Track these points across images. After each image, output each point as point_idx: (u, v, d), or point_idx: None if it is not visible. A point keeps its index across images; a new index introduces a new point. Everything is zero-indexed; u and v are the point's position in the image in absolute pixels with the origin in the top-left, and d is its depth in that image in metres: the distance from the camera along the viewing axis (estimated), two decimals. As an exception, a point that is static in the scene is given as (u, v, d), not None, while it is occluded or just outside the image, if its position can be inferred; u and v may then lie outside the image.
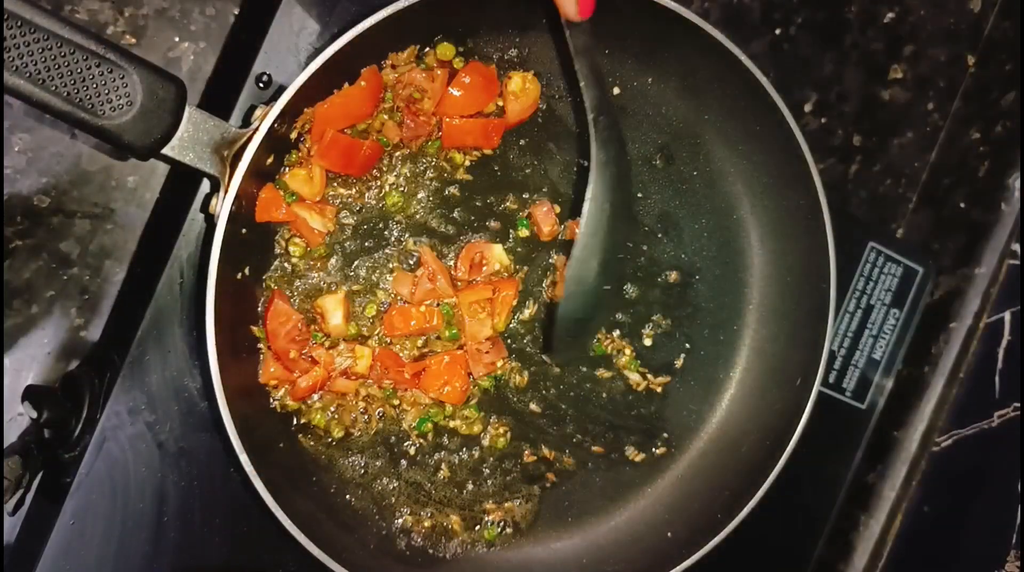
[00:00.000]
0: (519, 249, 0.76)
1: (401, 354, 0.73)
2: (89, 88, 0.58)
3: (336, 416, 0.72)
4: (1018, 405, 0.91)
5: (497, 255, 0.75)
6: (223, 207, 0.62)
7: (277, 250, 0.69)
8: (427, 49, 0.71)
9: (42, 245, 0.71)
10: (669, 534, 0.78)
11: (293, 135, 0.67)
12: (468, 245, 0.74)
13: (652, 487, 0.81)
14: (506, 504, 0.77)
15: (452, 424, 0.75)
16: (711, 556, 0.74)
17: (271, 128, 0.63)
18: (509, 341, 0.76)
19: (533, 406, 0.77)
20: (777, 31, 0.88)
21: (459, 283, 0.74)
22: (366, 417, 0.72)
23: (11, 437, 0.71)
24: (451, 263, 0.74)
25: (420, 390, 0.73)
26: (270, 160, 0.67)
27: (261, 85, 0.69)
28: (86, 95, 0.57)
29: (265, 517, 0.64)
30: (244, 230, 0.66)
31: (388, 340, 0.72)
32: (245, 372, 0.68)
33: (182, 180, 0.71)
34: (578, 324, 0.70)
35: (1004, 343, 0.94)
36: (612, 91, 0.77)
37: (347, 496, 0.72)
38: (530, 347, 0.77)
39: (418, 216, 0.73)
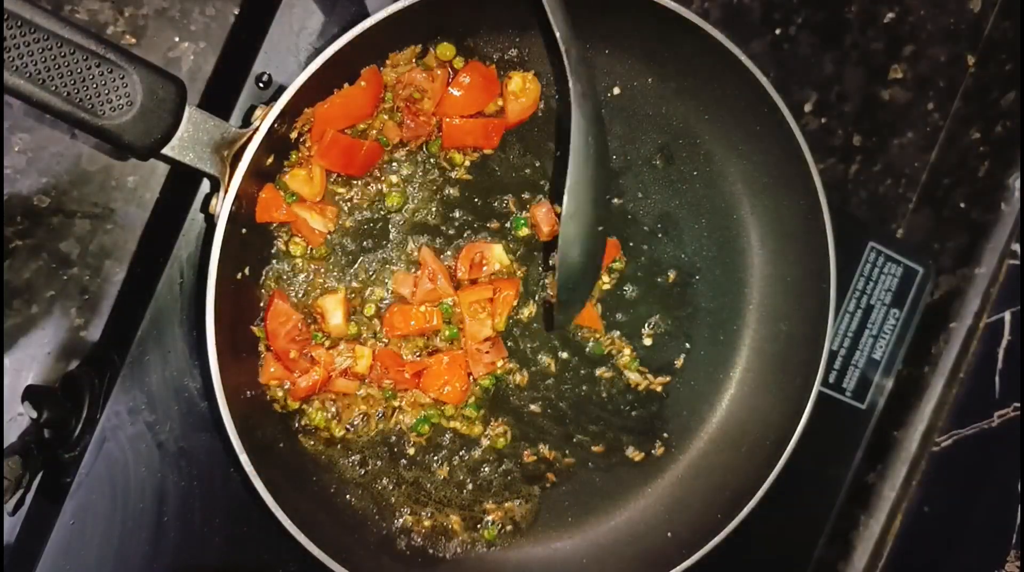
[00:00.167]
0: (519, 249, 0.76)
1: (401, 354, 0.73)
2: (89, 88, 0.57)
3: (336, 416, 0.72)
4: (1018, 405, 0.91)
5: (497, 255, 0.75)
6: (223, 207, 0.62)
7: (277, 250, 0.69)
8: (427, 49, 0.71)
9: (42, 245, 0.71)
10: (669, 534, 0.78)
11: (293, 135, 0.67)
12: (468, 245, 0.74)
13: (652, 487, 0.81)
14: (506, 504, 0.77)
15: (452, 424, 0.75)
16: (711, 556, 0.74)
17: (271, 128, 0.63)
18: (509, 341, 0.76)
19: (533, 406, 0.77)
20: (777, 31, 0.88)
21: (459, 283, 0.74)
22: (366, 417, 0.72)
23: (11, 437, 0.71)
24: (451, 263, 0.74)
25: (420, 390, 0.73)
26: (270, 160, 0.67)
27: (261, 85, 0.69)
28: (86, 95, 0.57)
29: (265, 517, 0.64)
30: (244, 230, 0.66)
31: (388, 340, 0.72)
32: (245, 372, 0.68)
33: (182, 180, 0.71)
34: (579, 273, 0.70)
35: (1004, 343, 0.94)
36: (612, 91, 0.77)
37: (347, 496, 0.72)
38: (530, 347, 0.77)
39: (418, 216, 0.73)
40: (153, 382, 0.68)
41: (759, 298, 0.82)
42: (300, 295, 0.70)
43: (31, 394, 0.68)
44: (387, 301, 0.72)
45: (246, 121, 0.68)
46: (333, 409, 0.72)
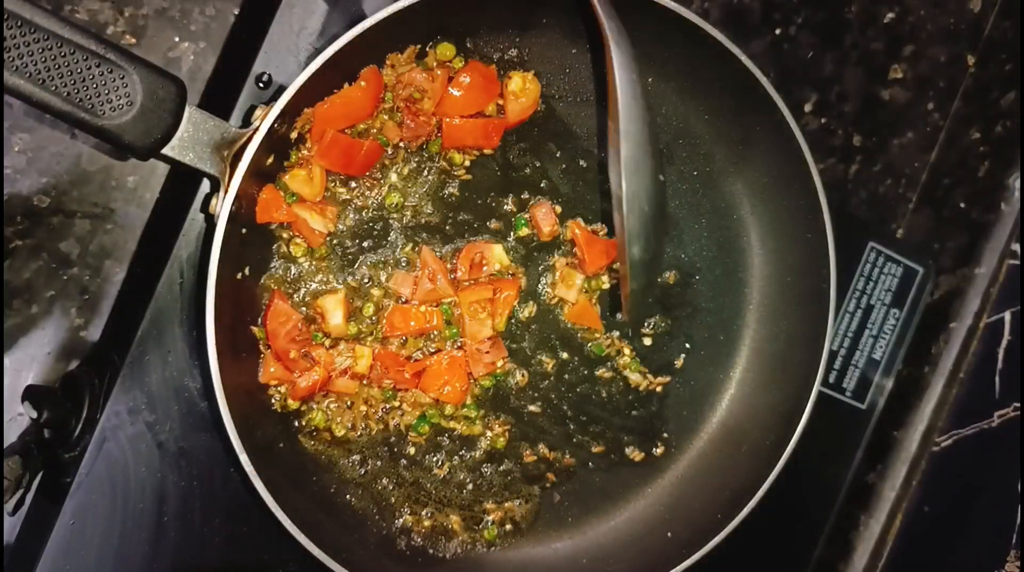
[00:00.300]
0: (519, 249, 0.76)
1: (401, 354, 0.73)
2: (89, 88, 0.57)
3: (336, 416, 0.72)
4: (1018, 405, 0.91)
5: (497, 255, 0.75)
6: (223, 207, 0.62)
7: (277, 250, 0.69)
8: (427, 49, 0.71)
9: (42, 245, 0.71)
10: (669, 534, 0.78)
11: (293, 135, 0.67)
12: (468, 245, 0.74)
13: (652, 487, 0.81)
14: (506, 504, 0.77)
15: (452, 424, 0.75)
16: (711, 556, 0.74)
17: (271, 128, 0.63)
18: (509, 341, 0.76)
19: (533, 406, 0.77)
20: (777, 31, 0.88)
21: (459, 283, 0.74)
22: (366, 417, 0.72)
23: (11, 437, 0.71)
24: (451, 263, 0.74)
25: (420, 390, 0.73)
26: (270, 160, 0.67)
27: (261, 85, 0.69)
28: (86, 95, 0.57)
29: (265, 517, 0.64)
30: (244, 230, 0.66)
31: (388, 340, 0.72)
32: (245, 372, 0.68)
33: (182, 180, 0.71)
34: (652, 229, 0.64)
35: (1004, 343, 0.94)
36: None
37: (347, 496, 0.72)
38: (530, 347, 0.77)
39: (418, 216, 0.73)
40: (153, 382, 0.68)
41: (759, 298, 0.82)
42: (300, 295, 0.70)
43: (31, 394, 0.68)
44: (387, 301, 0.72)
45: (246, 121, 0.68)
46: (333, 409, 0.72)
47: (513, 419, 0.77)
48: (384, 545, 0.73)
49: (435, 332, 0.73)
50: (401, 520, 0.74)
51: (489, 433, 0.76)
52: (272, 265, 0.69)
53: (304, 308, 0.70)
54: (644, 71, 0.77)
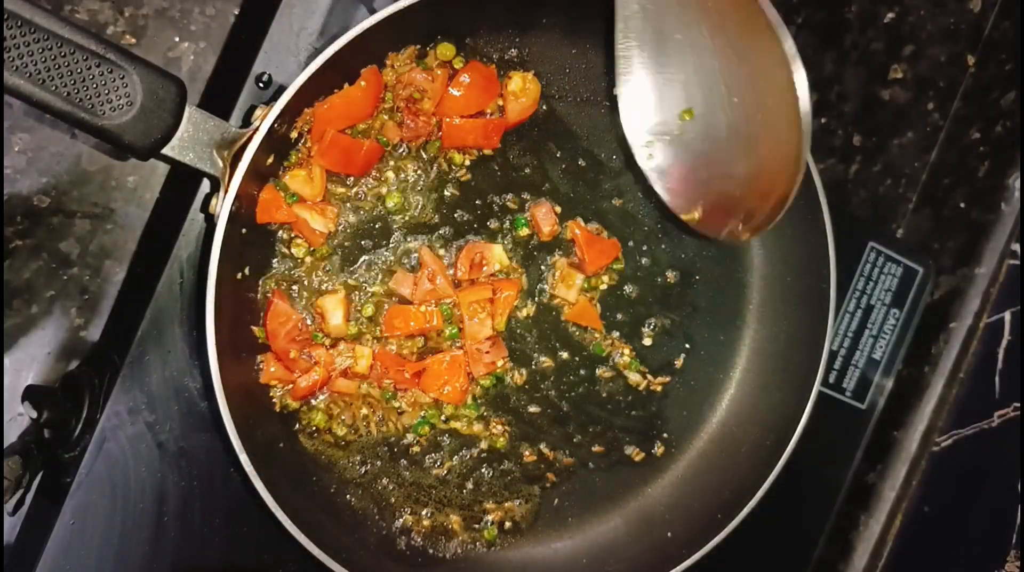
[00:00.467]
0: (519, 249, 0.76)
1: (401, 354, 0.73)
2: (89, 88, 0.58)
3: (336, 416, 0.72)
4: (1018, 405, 0.91)
5: (497, 255, 0.75)
6: (223, 207, 0.62)
7: (277, 250, 0.69)
8: (427, 49, 0.71)
9: (42, 245, 0.71)
10: (669, 534, 0.78)
11: (293, 135, 0.67)
12: (468, 245, 0.74)
13: (652, 487, 0.81)
14: (506, 504, 0.77)
15: (452, 424, 0.75)
16: (711, 556, 0.74)
17: (271, 128, 0.63)
18: (509, 341, 0.76)
19: (533, 406, 0.77)
20: (777, 31, 0.87)
21: (459, 283, 0.74)
22: (366, 417, 0.72)
23: (11, 437, 0.71)
24: (451, 263, 0.74)
25: (420, 390, 0.73)
26: (270, 160, 0.67)
27: (261, 85, 0.69)
28: (86, 95, 0.57)
29: (265, 517, 0.64)
30: (244, 230, 0.66)
31: (388, 340, 0.72)
32: (245, 372, 0.68)
33: (182, 180, 0.71)
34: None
35: (1004, 343, 0.94)
36: (612, 91, 0.77)
37: (347, 496, 0.72)
38: (530, 347, 0.77)
39: (418, 216, 0.73)
40: (153, 382, 0.68)
41: (759, 298, 0.82)
42: (300, 295, 0.70)
43: (31, 394, 0.68)
44: (387, 301, 0.72)
45: (246, 121, 0.68)
46: (333, 409, 0.72)
47: (513, 419, 0.77)
48: (384, 545, 0.73)
49: (435, 332, 0.73)
50: (401, 520, 0.74)
51: (489, 433, 0.76)
52: (272, 265, 0.70)
53: (304, 308, 0.70)
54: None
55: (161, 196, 0.73)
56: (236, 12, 0.73)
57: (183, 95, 0.61)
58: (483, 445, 0.76)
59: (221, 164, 0.63)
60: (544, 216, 0.76)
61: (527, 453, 0.77)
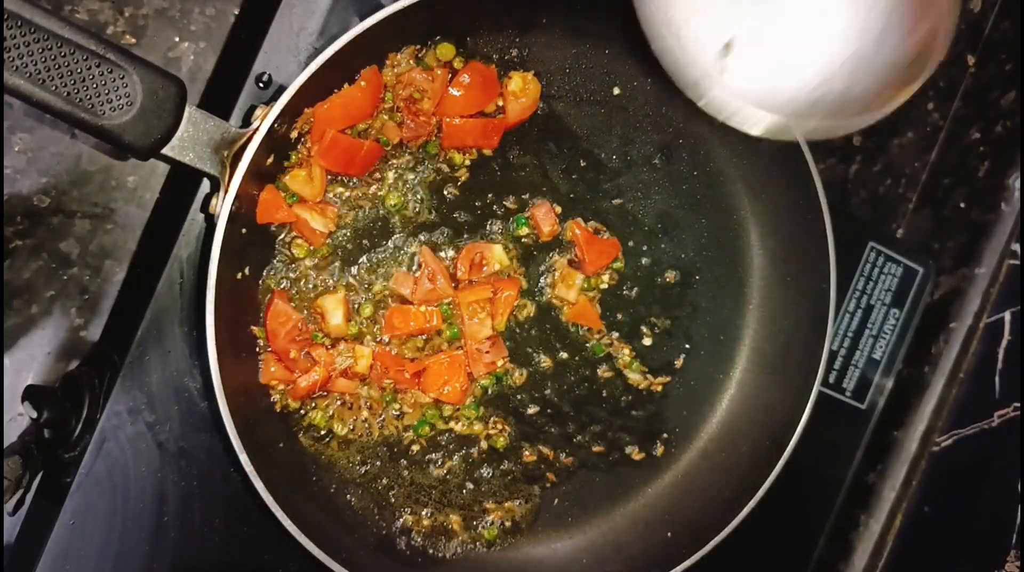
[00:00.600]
0: (519, 249, 0.76)
1: (401, 354, 0.73)
2: (89, 88, 0.57)
3: (336, 416, 0.72)
4: (1018, 405, 0.91)
5: (497, 255, 0.75)
6: (223, 207, 0.62)
7: (277, 250, 0.69)
8: (427, 49, 0.71)
9: (42, 245, 0.71)
10: (669, 534, 0.78)
11: (293, 135, 0.68)
12: (468, 245, 0.74)
13: (652, 487, 0.81)
14: (506, 504, 0.77)
15: (452, 424, 0.75)
16: (711, 556, 0.74)
17: (271, 128, 0.63)
18: (509, 341, 0.76)
19: (533, 406, 0.77)
20: (777, 31, 0.87)
21: (459, 283, 0.74)
22: (366, 417, 0.72)
23: (11, 437, 0.71)
24: (451, 263, 0.74)
25: (420, 390, 0.73)
26: (270, 160, 0.67)
27: (261, 85, 0.69)
28: (86, 95, 0.57)
29: (265, 517, 0.64)
30: (244, 230, 0.66)
31: (388, 340, 0.72)
32: (245, 372, 0.68)
33: (182, 180, 0.71)
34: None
35: (1004, 343, 0.94)
36: (612, 91, 0.77)
37: (347, 496, 0.72)
38: (530, 347, 0.77)
39: (418, 216, 0.73)
40: (153, 382, 0.68)
41: (759, 298, 0.82)
42: (300, 295, 0.70)
43: (31, 394, 0.68)
44: (387, 301, 0.72)
45: (246, 121, 0.68)
46: (333, 409, 0.72)
47: (513, 419, 0.77)
48: (384, 545, 0.73)
49: (435, 332, 0.73)
50: (401, 520, 0.74)
51: (489, 433, 0.76)
52: (272, 265, 0.70)
53: (304, 308, 0.70)
54: (644, 71, 0.77)
55: (161, 196, 0.73)
56: (236, 12, 0.73)
57: (183, 95, 0.61)
58: (483, 445, 0.76)
59: (221, 164, 0.63)
60: (544, 216, 0.76)
61: (527, 453, 0.77)
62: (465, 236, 0.75)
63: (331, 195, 0.71)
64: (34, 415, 0.67)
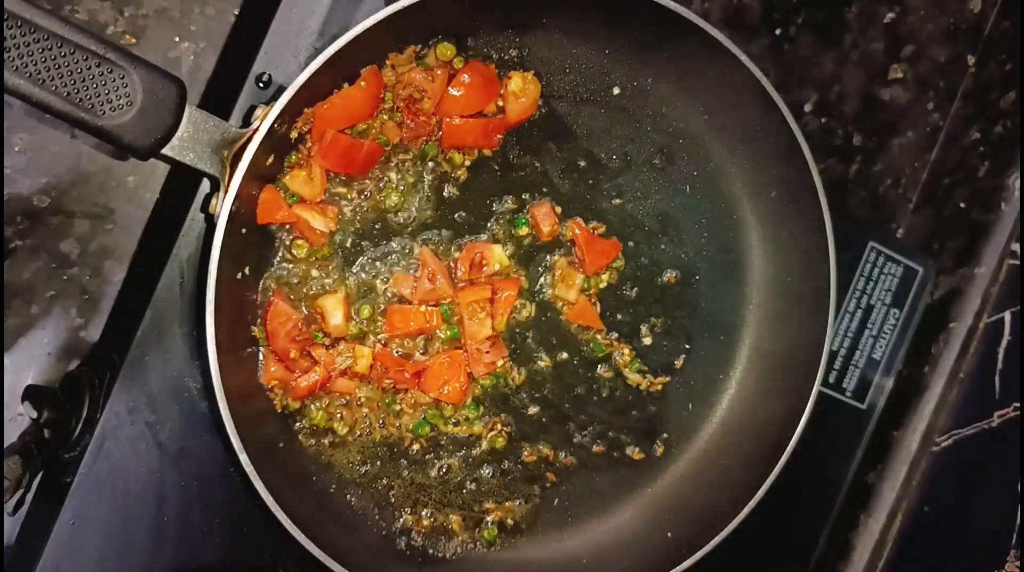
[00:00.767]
0: (519, 249, 0.76)
1: (401, 354, 0.73)
2: (89, 88, 0.57)
3: (336, 416, 0.72)
4: (1018, 405, 0.91)
5: (497, 255, 0.75)
6: (223, 207, 0.62)
7: (277, 250, 0.69)
8: (427, 49, 0.71)
9: (42, 245, 0.71)
10: (669, 534, 0.78)
11: (293, 135, 0.67)
12: (468, 245, 0.74)
13: (652, 487, 0.81)
14: (506, 504, 0.77)
15: (452, 425, 0.75)
16: (711, 556, 0.74)
17: (271, 128, 0.63)
18: (509, 341, 0.76)
19: (533, 406, 0.77)
20: (777, 31, 0.87)
21: (459, 283, 0.74)
22: (366, 417, 0.72)
23: (11, 437, 0.71)
24: (451, 263, 0.74)
25: (420, 390, 0.73)
26: (270, 160, 0.67)
27: (261, 85, 0.69)
28: (86, 95, 0.57)
29: (265, 517, 0.64)
30: (244, 230, 0.66)
31: (388, 340, 0.72)
32: (245, 372, 0.68)
33: (182, 180, 0.71)
34: None
35: (1004, 343, 0.94)
36: (612, 91, 0.77)
37: (347, 496, 0.72)
38: (530, 347, 0.77)
39: (418, 216, 0.73)
40: (153, 382, 0.68)
41: (759, 298, 0.82)
42: (300, 295, 0.70)
43: (31, 394, 0.68)
44: (387, 301, 0.72)
45: (246, 121, 0.68)
46: (333, 409, 0.72)
47: (513, 419, 0.77)
48: (384, 545, 0.73)
49: (435, 332, 0.73)
50: (401, 520, 0.74)
51: (489, 433, 0.76)
52: (272, 265, 0.70)
53: (304, 308, 0.70)
54: (644, 71, 0.77)
55: (161, 196, 0.73)
56: (236, 12, 0.73)
57: (183, 95, 0.61)
58: (483, 445, 0.76)
59: (221, 164, 0.63)
60: (544, 216, 0.76)
61: (527, 453, 0.77)
62: (465, 236, 0.75)
63: (331, 195, 0.71)
64: (34, 415, 0.67)
